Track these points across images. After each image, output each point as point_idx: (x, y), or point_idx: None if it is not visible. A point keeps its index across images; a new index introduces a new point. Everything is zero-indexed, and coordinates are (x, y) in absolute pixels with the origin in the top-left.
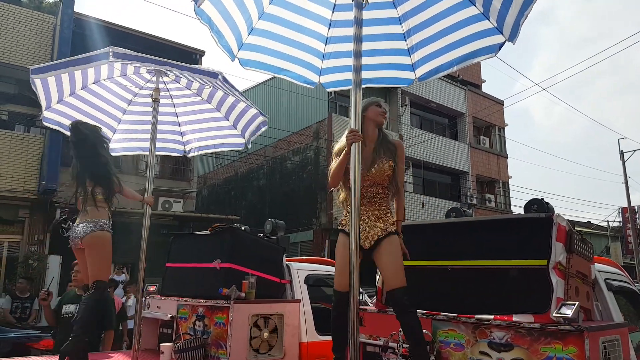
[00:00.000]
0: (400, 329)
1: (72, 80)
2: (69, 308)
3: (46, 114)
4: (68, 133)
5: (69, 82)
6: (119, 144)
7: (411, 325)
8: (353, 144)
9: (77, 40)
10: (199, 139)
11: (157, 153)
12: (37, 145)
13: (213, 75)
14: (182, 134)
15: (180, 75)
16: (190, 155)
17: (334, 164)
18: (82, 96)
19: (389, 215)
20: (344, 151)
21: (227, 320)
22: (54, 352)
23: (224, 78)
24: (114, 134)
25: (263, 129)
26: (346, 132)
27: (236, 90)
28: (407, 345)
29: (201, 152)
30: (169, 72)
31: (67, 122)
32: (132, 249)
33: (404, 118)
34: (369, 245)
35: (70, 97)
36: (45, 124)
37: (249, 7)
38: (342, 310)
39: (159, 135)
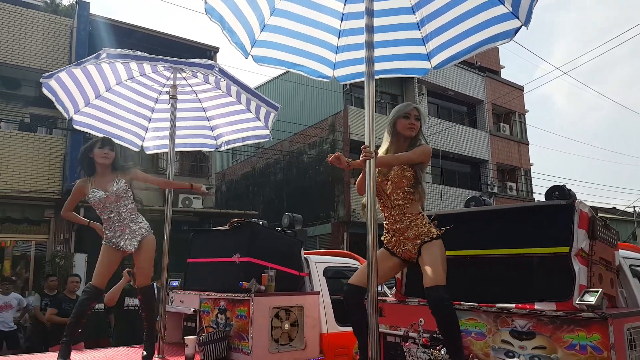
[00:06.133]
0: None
1: (93, 83)
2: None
3: (76, 117)
4: (99, 134)
5: (90, 85)
6: (152, 142)
7: (445, 323)
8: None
9: (94, 42)
10: (228, 133)
11: (190, 149)
12: (60, 147)
13: (209, 67)
14: (212, 128)
15: (182, 69)
16: (222, 149)
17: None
18: (108, 98)
19: (419, 221)
20: (362, 171)
21: (249, 313)
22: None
23: (220, 70)
24: (146, 132)
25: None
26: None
27: (238, 81)
28: (427, 336)
29: (230, 145)
30: (185, 69)
31: (98, 124)
32: None
33: (421, 107)
34: (415, 259)
35: (97, 100)
36: (76, 127)
37: (260, 3)
38: (349, 299)
39: (190, 132)
